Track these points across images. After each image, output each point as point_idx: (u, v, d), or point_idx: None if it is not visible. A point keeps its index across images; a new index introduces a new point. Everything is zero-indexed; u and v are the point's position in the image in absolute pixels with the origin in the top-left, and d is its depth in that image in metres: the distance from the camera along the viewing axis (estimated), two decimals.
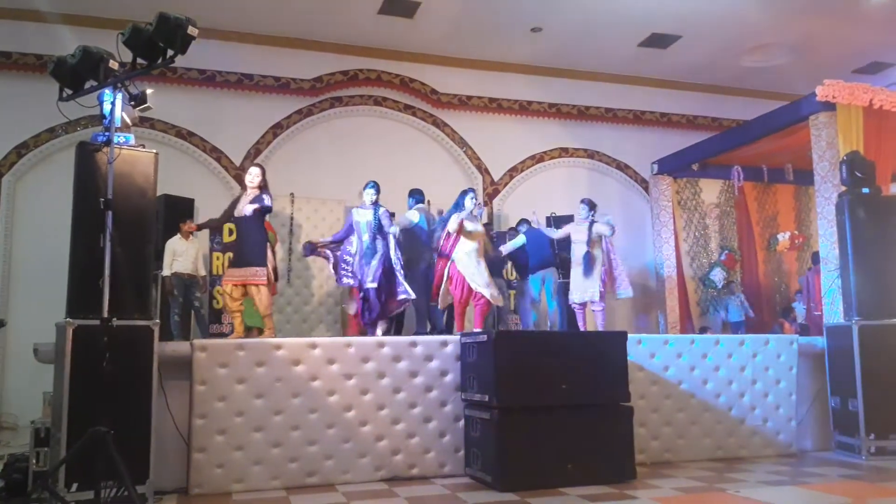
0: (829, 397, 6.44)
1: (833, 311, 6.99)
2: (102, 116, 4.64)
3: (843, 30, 9.76)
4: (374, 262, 6.77)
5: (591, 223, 7.47)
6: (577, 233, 7.59)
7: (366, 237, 6.83)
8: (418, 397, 5.36)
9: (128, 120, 4.69)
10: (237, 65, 9.77)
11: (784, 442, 6.25)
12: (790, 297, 10.64)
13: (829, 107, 7.38)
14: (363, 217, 6.91)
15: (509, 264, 8.98)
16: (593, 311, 7.49)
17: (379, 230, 6.84)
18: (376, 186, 7.01)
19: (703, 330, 10.16)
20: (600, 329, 7.40)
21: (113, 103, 4.37)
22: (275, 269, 7.24)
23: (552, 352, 5.13)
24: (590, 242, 7.41)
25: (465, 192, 6.99)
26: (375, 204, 6.94)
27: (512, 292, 9.16)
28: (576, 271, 7.56)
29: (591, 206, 7.65)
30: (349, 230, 7.05)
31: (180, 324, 7.57)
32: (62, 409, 4.28)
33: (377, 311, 6.78)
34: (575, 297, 7.54)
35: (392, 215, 7.15)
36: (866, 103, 7.35)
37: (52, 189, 8.49)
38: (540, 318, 8.93)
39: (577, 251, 7.54)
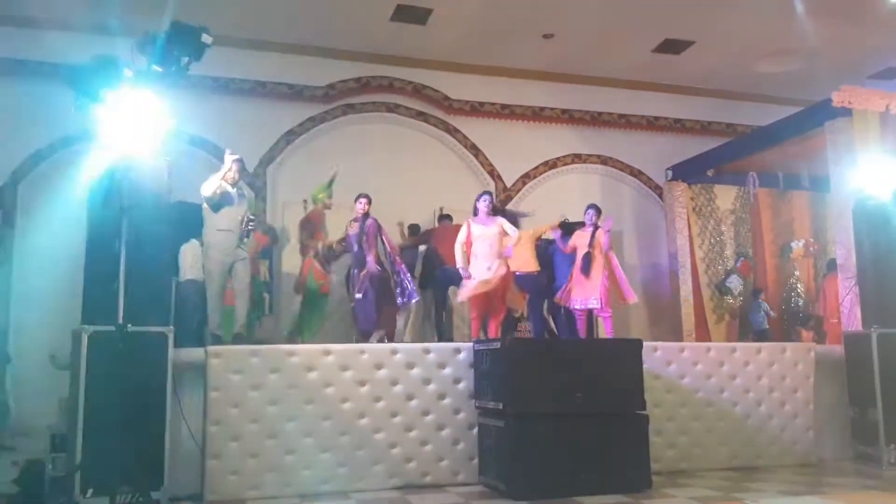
0: (847, 406, 6.36)
1: (851, 319, 6.90)
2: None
3: (858, 35, 9.67)
4: (362, 274, 6.89)
5: (595, 228, 7.48)
6: (581, 237, 7.61)
7: (355, 248, 6.99)
8: (432, 405, 5.33)
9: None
10: (251, 72, 9.80)
11: (802, 451, 6.16)
12: (812, 305, 10.43)
13: (845, 112, 7.32)
14: (353, 229, 7.08)
15: None
16: (601, 317, 7.44)
17: (365, 241, 6.95)
18: (367, 197, 7.12)
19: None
20: (609, 336, 7.35)
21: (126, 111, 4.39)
22: None
23: (567, 360, 5.10)
24: (592, 245, 7.42)
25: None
26: (365, 215, 7.04)
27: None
28: (577, 274, 7.48)
29: (598, 211, 7.65)
30: (351, 243, 7.18)
31: (195, 330, 7.57)
32: (78, 414, 4.29)
33: (363, 321, 6.89)
34: (577, 301, 7.48)
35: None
36: (882, 108, 7.30)
37: (66, 197, 8.53)
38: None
39: (580, 254, 7.54)
